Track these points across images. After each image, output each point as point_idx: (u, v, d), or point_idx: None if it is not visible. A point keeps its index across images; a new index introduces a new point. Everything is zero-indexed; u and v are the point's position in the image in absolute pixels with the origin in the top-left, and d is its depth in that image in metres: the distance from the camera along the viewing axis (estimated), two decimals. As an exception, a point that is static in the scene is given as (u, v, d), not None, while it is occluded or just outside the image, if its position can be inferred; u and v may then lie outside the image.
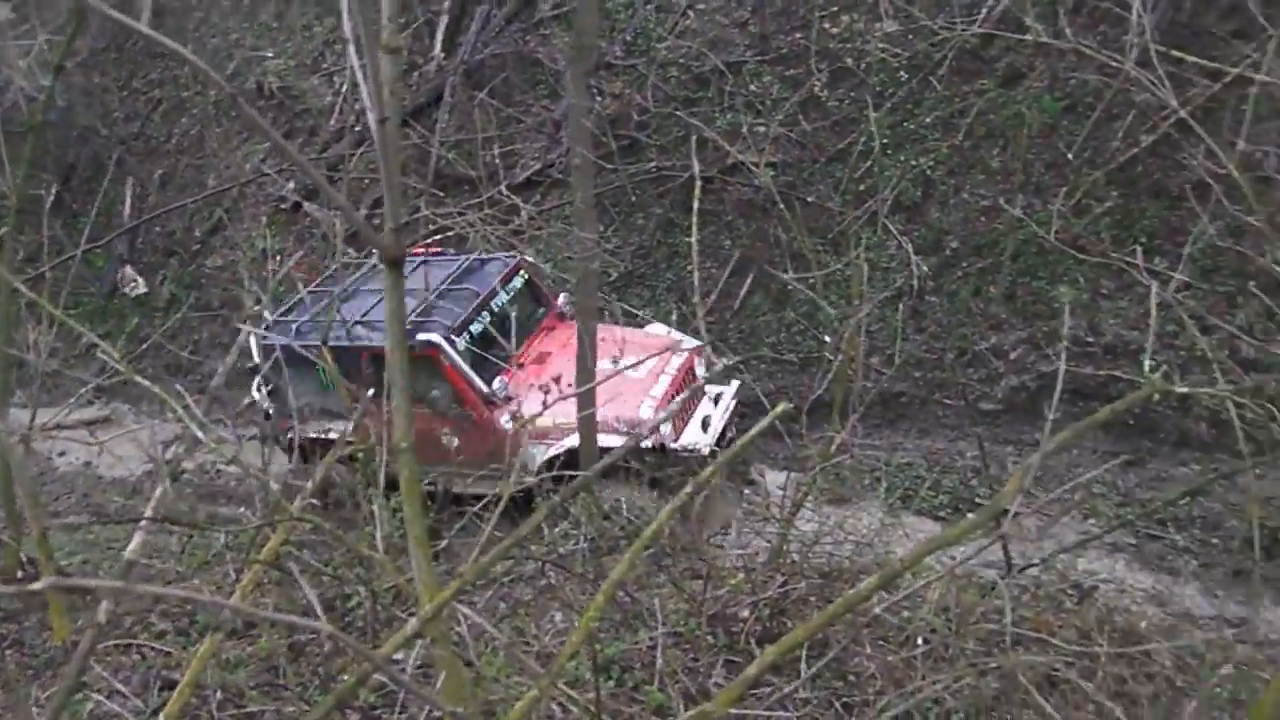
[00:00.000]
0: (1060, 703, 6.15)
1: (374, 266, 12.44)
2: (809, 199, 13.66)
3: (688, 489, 3.62)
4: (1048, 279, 12.29)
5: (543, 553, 8.54)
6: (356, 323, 11.28)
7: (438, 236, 13.16)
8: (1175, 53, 6.82)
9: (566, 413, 10.30)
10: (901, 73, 13.67)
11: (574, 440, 10.53)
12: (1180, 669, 6.97)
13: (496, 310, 11.82)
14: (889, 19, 13.92)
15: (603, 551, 8.45)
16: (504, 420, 10.97)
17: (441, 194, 15.37)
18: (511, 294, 12.14)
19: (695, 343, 11.82)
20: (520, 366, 11.57)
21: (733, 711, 3.81)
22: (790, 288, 12.76)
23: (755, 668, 3.55)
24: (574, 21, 13.12)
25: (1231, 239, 9.98)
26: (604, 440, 10.19)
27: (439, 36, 16.67)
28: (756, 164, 12.88)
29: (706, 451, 10.89)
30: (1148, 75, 6.25)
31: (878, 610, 6.15)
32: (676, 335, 12.43)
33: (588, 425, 9.89)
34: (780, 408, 3.73)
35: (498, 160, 15.64)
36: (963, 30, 12.07)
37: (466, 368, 11.10)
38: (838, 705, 6.33)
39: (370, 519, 6.30)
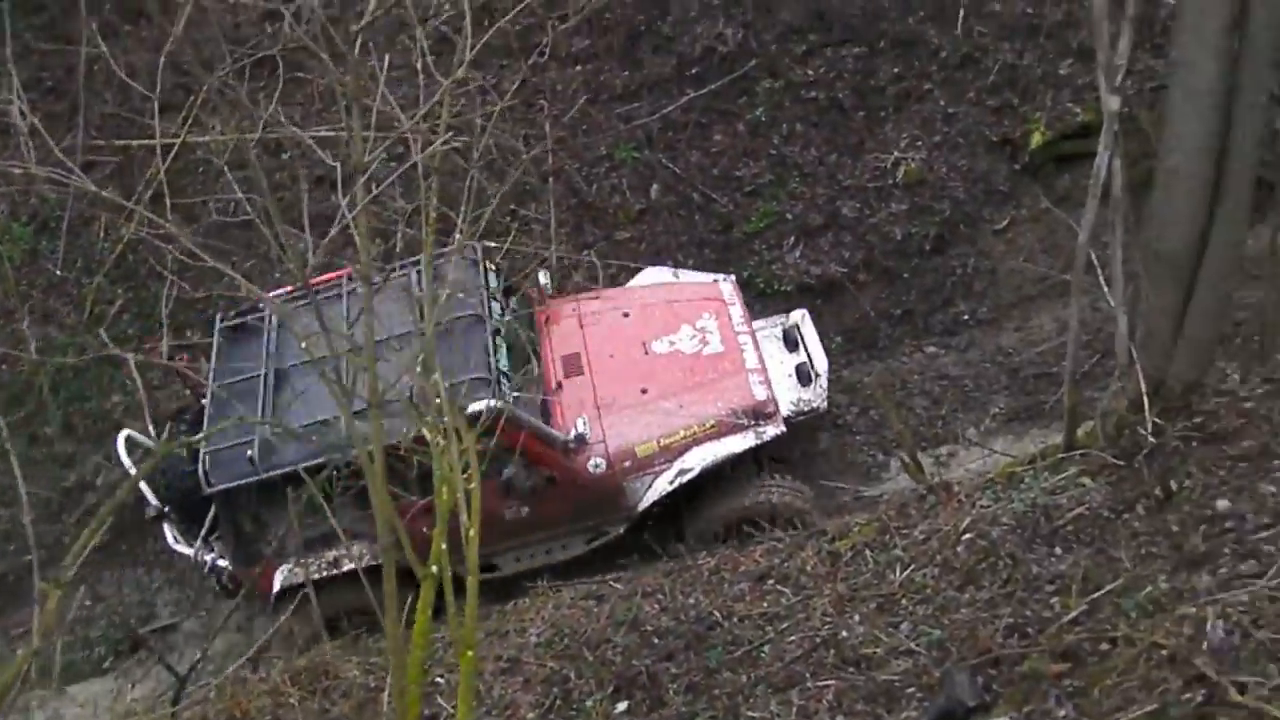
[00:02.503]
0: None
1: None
2: None
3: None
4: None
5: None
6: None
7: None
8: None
9: (665, 425, 8.91)
10: None
11: (698, 456, 8.85)
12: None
13: (501, 328, 9.18)
14: None
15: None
16: (592, 465, 8.82)
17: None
18: (500, 298, 9.49)
19: (712, 278, 10.24)
20: (559, 388, 9.26)
21: None
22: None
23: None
24: None
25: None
26: (730, 445, 8.81)
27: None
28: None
29: (824, 407, 9.44)
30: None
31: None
32: (690, 276, 10.42)
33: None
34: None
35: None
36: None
37: (537, 422, 8.67)
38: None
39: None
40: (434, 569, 4.80)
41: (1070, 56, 11.37)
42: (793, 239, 11.38)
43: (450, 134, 5.57)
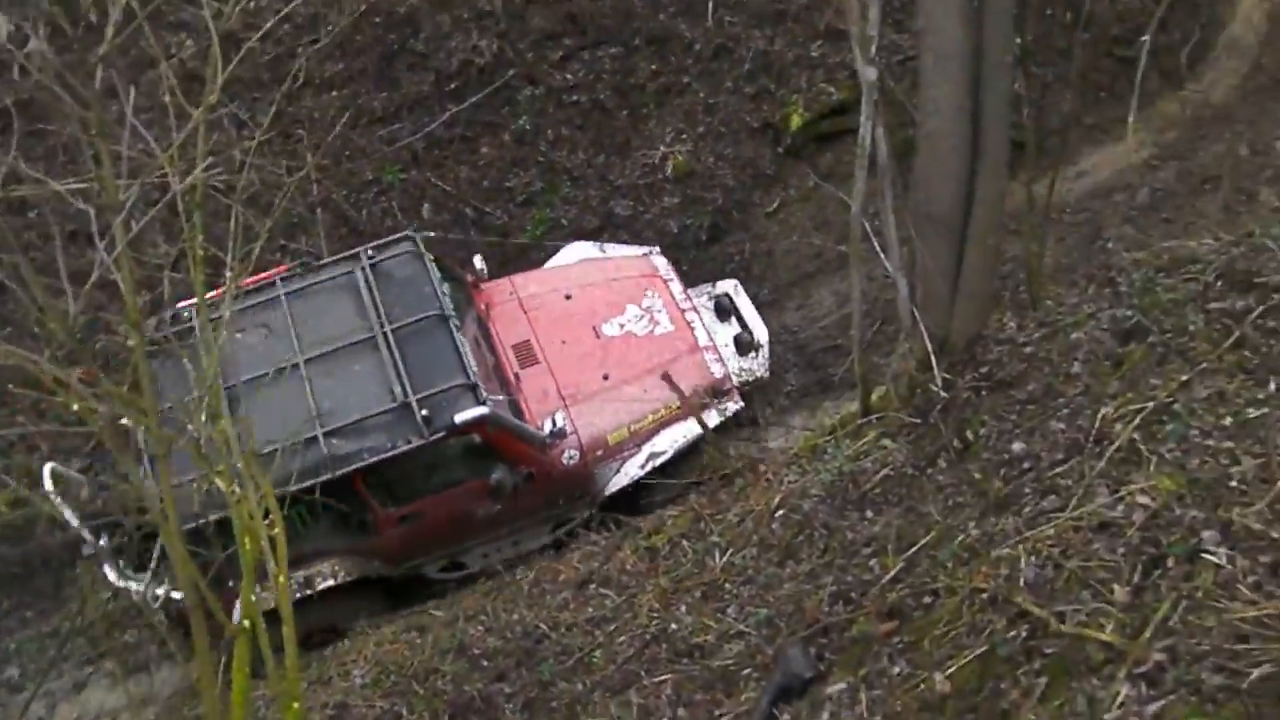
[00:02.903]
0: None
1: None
2: None
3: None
4: None
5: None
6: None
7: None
8: None
9: (633, 411, 8.79)
10: None
11: (668, 438, 8.77)
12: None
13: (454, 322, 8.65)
14: None
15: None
16: (566, 457, 8.66)
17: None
18: (446, 289, 8.86)
19: (641, 251, 10.16)
20: (517, 379, 8.97)
21: None
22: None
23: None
24: None
25: None
26: (697, 425, 8.69)
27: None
28: None
29: (766, 375, 9.42)
30: None
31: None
32: (616, 250, 10.24)
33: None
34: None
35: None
36: None
37: (520, 424, 8.46)
38: None
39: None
40: (246, 624, 4.54)
41: (819, 38, 11.72)
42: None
43: (209, 164, 5.27)
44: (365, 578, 8.55)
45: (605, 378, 9.02)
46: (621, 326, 9.33)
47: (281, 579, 4.62)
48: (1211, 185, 10.73)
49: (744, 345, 9.37)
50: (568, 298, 9.50)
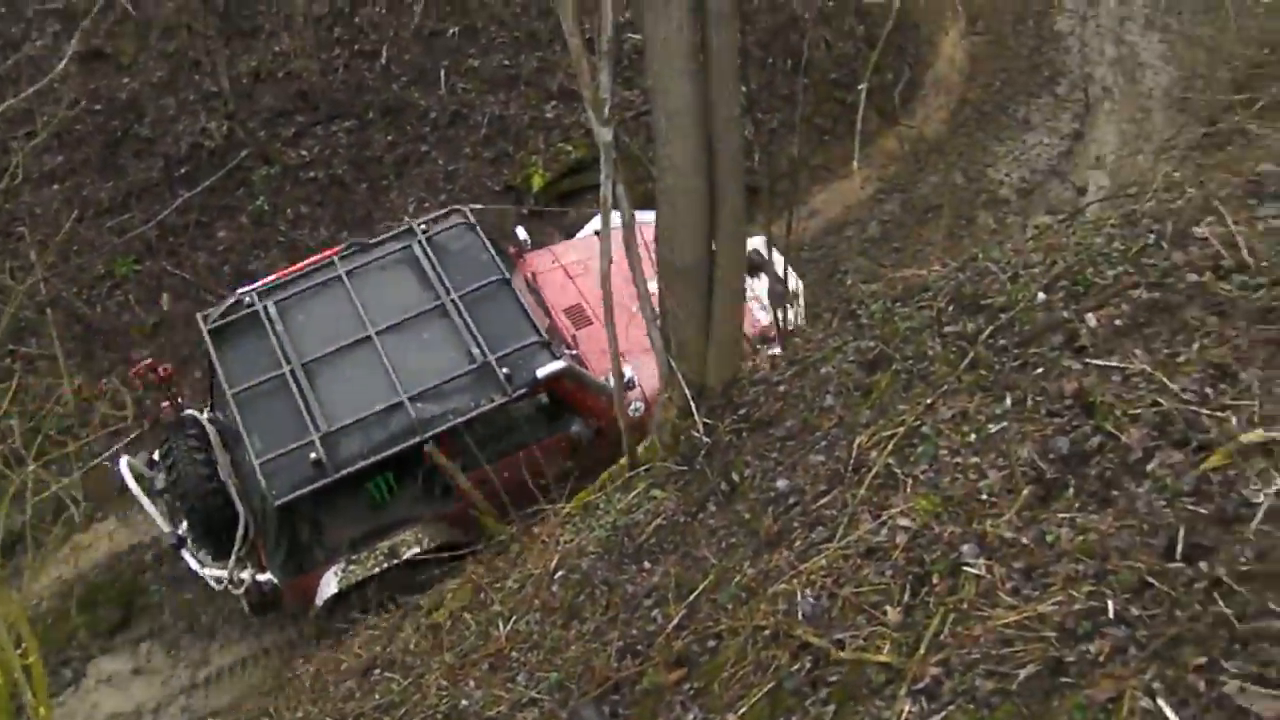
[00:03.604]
0: None
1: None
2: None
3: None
4: None
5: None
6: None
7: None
8: None
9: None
10: None
11: None
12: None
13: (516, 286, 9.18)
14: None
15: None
16: (632, 409, 8.75)
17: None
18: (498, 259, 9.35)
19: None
20: (574, 339, 9.46)
21: None
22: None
23: None
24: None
25: None
26: None
27: None
28: None
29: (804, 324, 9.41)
30: None
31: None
32: (646, 215, 9.83)
33: None
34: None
35: None
36: None
37: (594, 377, 8.97)
38: None
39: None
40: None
41: (553, 99, 11.95)
42: (321, 320, 11.14)
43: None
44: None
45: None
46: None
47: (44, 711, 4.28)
48: (933, 213, 11.48)
49: (778, 297, 9.55)
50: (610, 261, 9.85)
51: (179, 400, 9.65)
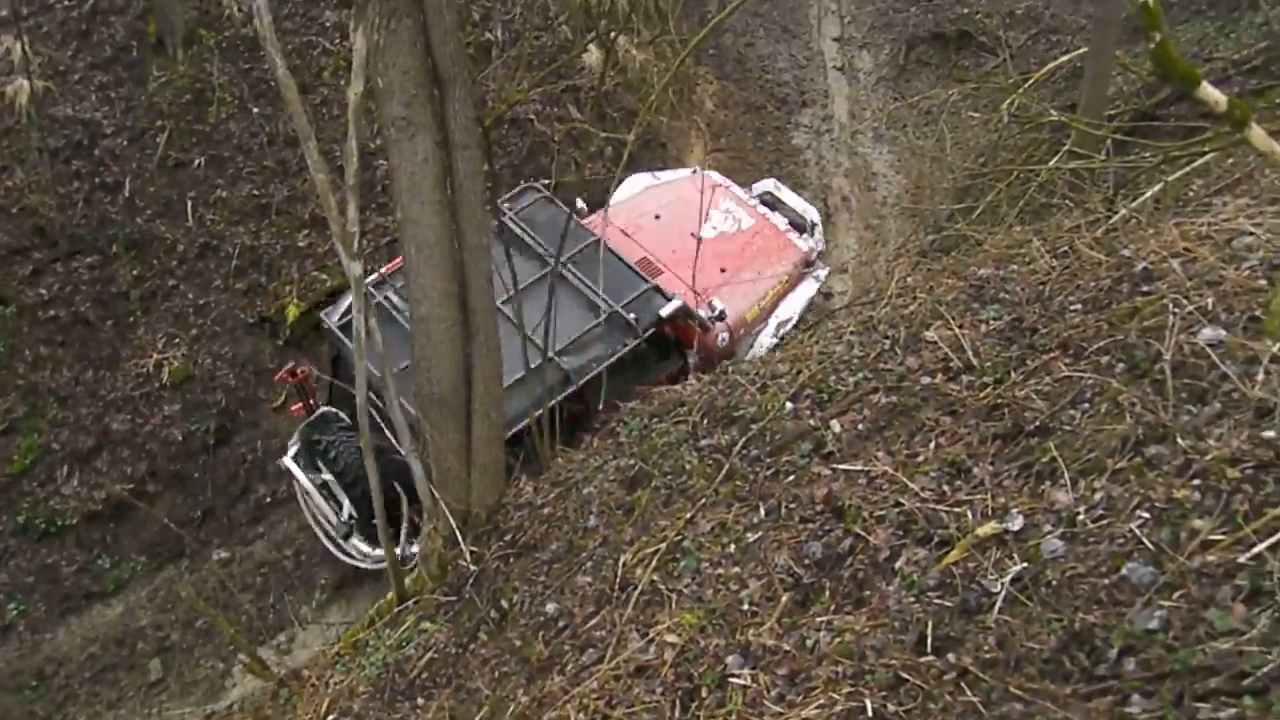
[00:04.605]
0: None
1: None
2: None
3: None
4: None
5: None
6: None
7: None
8: None
9: (757, 290, 10.34)
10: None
11: (789, 307, 10.50)
12: None
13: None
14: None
15: None
16: (720, 340, 10.06)
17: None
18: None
19: (690, 170, 11.71)
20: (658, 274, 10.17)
21: None
22: None
23: None
24: None
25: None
26: (805, 291, 10.65)
27: None
28: None
29: (823, 249, 11.27)
30: None
31: None
32: (668, 175, 11.77)
33: None
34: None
35: None
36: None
37: (698, 312, 9.85)
38: None
39: None
40: None
41: (305, 228, 11.77)
42: (66, 468, 10.57)
43: None
44: None
45: (722, 270, 10.44)
46: (715, 229, 10.77)
47: None
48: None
49: (799, 228, 11.07)
50: (657, 217, 10.79)
51: (312, 401, 10.16)
